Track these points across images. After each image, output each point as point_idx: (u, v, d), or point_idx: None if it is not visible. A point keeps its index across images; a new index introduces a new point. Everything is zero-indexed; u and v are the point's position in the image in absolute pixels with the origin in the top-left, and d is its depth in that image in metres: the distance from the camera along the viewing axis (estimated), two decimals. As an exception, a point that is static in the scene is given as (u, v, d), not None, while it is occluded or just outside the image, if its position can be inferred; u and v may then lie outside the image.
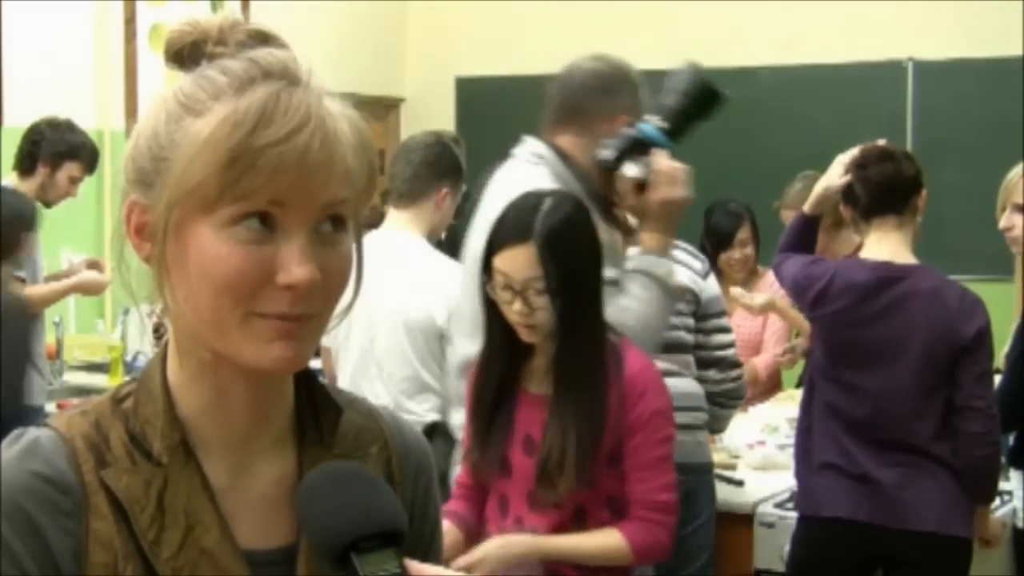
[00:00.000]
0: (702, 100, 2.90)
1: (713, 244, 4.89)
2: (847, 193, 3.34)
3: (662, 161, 2.84)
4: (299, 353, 1.07)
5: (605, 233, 2.85)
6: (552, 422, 2.48)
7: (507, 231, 2.50)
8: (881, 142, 3.40)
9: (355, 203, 1.08)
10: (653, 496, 2.54)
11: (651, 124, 2.87)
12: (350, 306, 1.12)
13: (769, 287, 4.86)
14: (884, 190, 3.28)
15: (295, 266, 1.03)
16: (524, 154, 3.03)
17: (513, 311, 2.47)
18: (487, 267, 2.51)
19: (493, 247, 2.51)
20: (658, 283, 2.84)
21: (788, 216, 4.80)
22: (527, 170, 2.93)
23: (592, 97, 2.98)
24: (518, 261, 2.45)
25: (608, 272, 2.78)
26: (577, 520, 2.53)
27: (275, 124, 1.02)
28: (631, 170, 2.84)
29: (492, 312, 2.54)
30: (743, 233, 4.95)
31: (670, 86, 2.92)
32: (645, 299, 2.82)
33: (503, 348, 2.55)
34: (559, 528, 2.52)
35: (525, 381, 2.57)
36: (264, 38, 1.10)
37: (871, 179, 3.28)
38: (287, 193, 1.03)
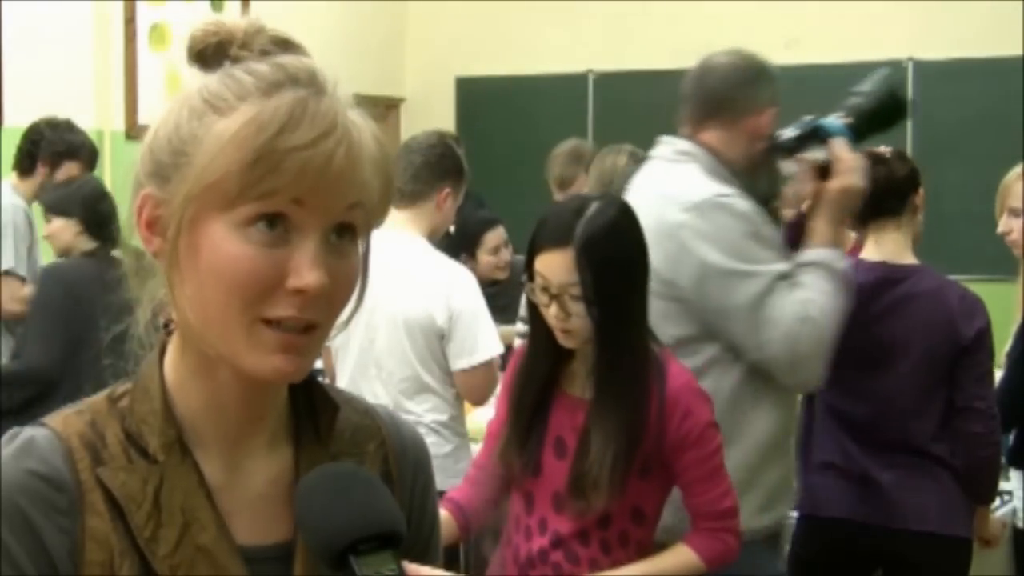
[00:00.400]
0: (887, 106, 2.94)
1: None
2: None
3: (843, 149, 2.84)
4: (299, 367, 1.08)
5: (766, 227, 2.84)
6: (591, 435, 2.45)
7: (547, 234, 2.45)
8: (884, 149, 3.39)
9: (368, 215, 1.09)
10: (715, 506, 2.52)
11: (834, 118, 2.89)
12: (349, 318, 1.13)
13: None
14: (876, 195, 3.27)
15: (307, 270, 1.04)
16: (666, 153, 2.98)
17: (550, 315, 2.44)
18: (529, 268, 2.49)
19: (534, 249, 2.47)
20: (838, 276, 2.81)
21: (788, 215, 4.80)
22: (672, 168, 2.90)
23: (737, 90, 2.95)
24: (556, 265, 2.41)
25: (779, 266, 2.77)
26: (601, 526, 2.50)
27: (302, 129, 1.03)
28: (815, 153, 2.84)
29: (535, 313, 2.51)
30: None
31: (860, 87, 2.94)
32: (828, 291, 2.79)
33: (546, 350, 2.52)
34: (582, 532, 2.51)
35: (564, 383, 2.55)
36: (287, 46, 1.11)
37: None
38: (306, 196, 1.04)
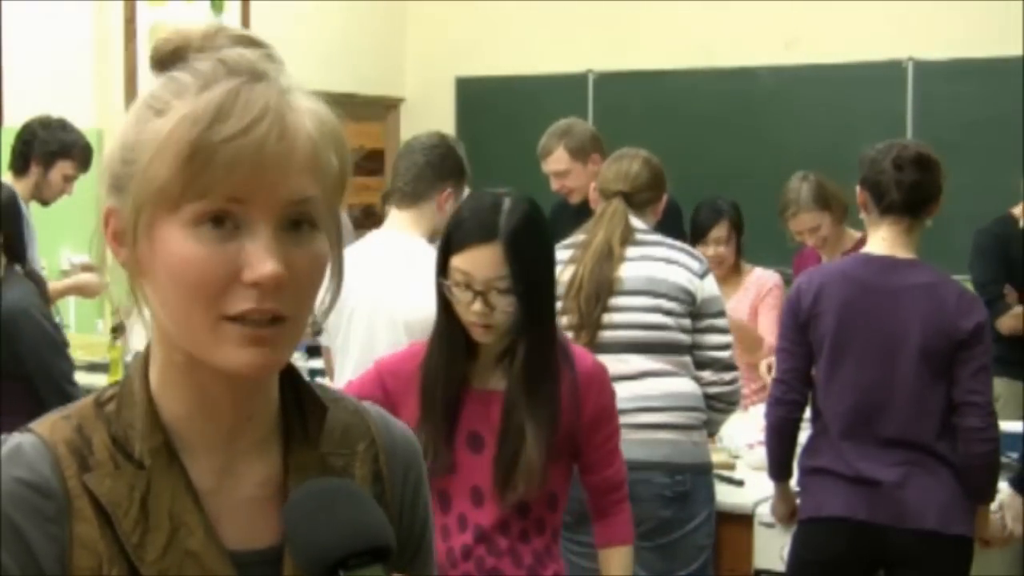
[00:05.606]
0: None
1: (691, 239, 4.84)
2: (873, 185, 3.32)
3: None
4: (271, 359, 1.07)
5: None
6: (518, 426, 2.49)
7: (468, 231, 2.48)
8: (913, 145, 3.38)
9: (326, 201, 1.08)
10: (614, 479, 2.67)
11: None
12: (332, 304, 1.12)
13: (755, 284, 4.89)
14: (915, 199, 3.29)
15: (259, 262, 1.03)
16: None
17: (472, 311, 2.47)
18: (443, 267, 2.51)
19: (452, 247, 2.50)
20: None
21: (806, 220, 4.73)
22: None
23: None
24: (482, 261, 2.45)
25: None
26: (520, 515, 2.55)
27: (232, 119, 1.03)
28: None
29: (448, 312, 2.54)
30: (719, 231, 4.88)
31: None
32: None
33: (461, 347, 2.55)
34: (502, 523, 2.54)
35: (472, 378, 2.57)
36: (248, 43, 1.10)
37: (905, 183, 3.28)
38: (246, 189, 1.03)
